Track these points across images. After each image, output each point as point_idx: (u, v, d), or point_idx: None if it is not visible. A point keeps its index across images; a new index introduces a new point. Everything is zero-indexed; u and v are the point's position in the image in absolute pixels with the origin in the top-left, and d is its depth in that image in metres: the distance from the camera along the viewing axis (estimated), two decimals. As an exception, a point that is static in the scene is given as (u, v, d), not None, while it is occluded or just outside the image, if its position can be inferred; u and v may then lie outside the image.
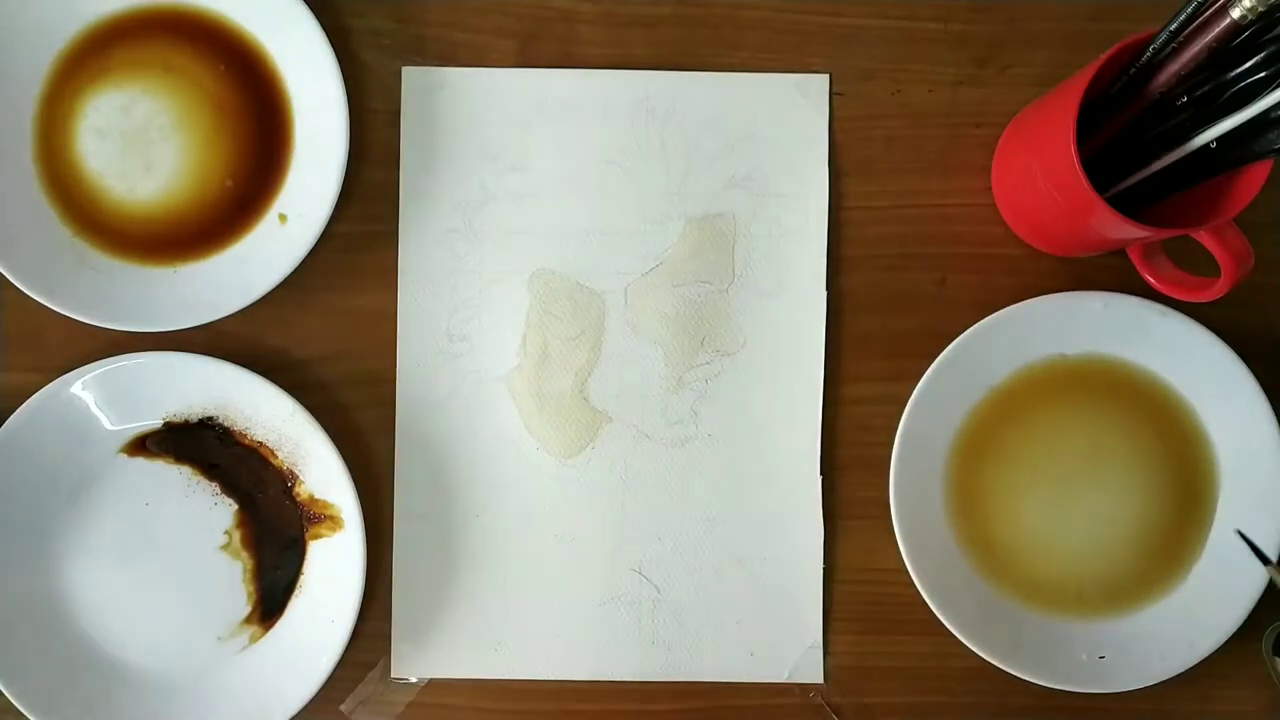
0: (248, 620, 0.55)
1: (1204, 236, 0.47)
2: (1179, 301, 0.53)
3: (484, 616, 0.56)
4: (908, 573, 0.53)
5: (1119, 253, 0.55)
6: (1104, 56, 0.46)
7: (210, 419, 0.55)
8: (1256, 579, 0.54)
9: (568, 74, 0.56)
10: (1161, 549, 0.55)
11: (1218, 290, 0.49)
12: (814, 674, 0.56)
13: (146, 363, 0.53)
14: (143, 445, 0.55)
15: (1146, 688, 0.54)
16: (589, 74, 0.56)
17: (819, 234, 0.56)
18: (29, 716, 0.52)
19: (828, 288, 0.56)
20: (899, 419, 0.54)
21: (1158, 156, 0.48)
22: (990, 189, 0.57)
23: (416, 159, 0.56)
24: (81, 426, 0.54)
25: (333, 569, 0.54)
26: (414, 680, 0.56)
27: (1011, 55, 0.57)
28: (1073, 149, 0.46)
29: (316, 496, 0.55)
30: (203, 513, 0.55)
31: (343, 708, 0.55)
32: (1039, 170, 0.50)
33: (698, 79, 0.56)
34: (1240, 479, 0.55)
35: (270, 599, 0.55)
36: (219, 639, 0.55)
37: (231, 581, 0.55)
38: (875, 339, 0.56)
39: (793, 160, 0.56)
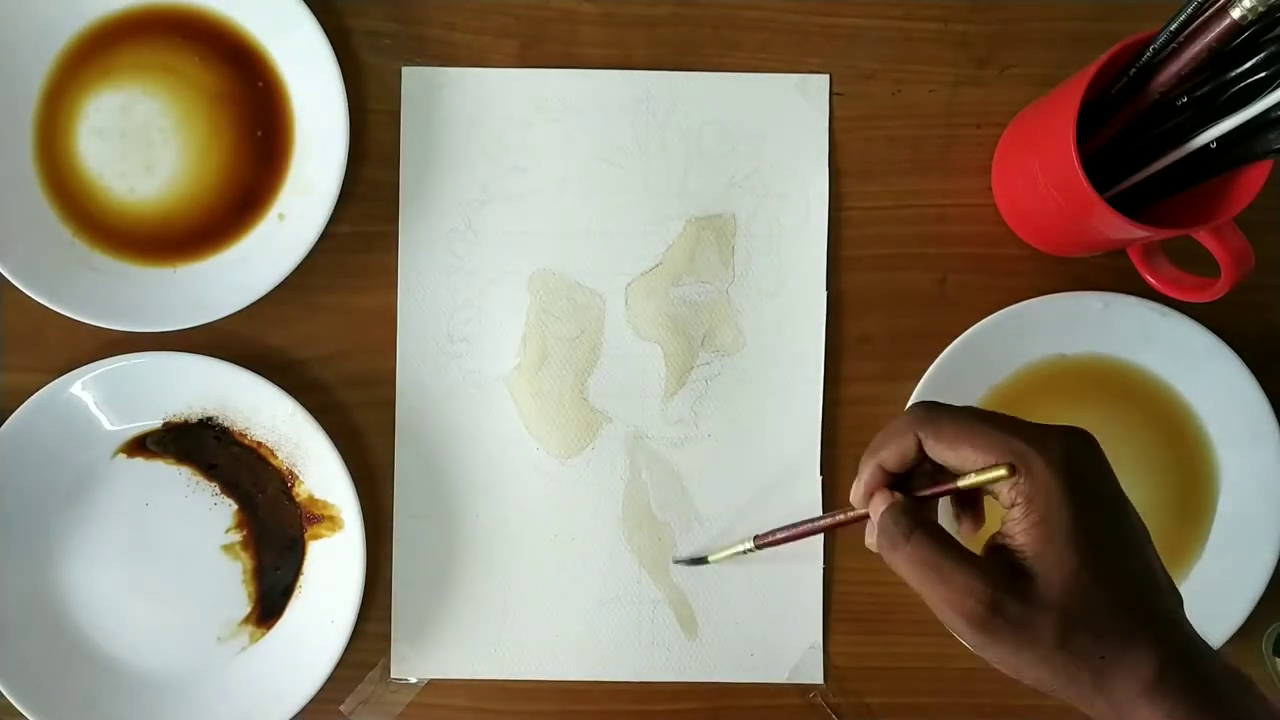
0: (247, 621, 0.55)
1: (1204, 236, 0.47)
2: (1179, 301, 0.53)
3: (484, 616, 0.56)
4: (908, 573, 0.53)
5: (1119, 253, 0.55)
6: (1104, 56, 0.46)
7: (210, 419, 0.55)
8: (1256, 580, 0.54)
9: (568, 74, 0.56)
10: (1161, 549, 0.55)
11: (1218, 290, 0.49)
12: (814, 674, 0.56)
13: (146, 363, 0.53)
14: (142, 445, 0.55)
15: (1147, 688, 0.54)
16: (589, 74, 0.56)
17: (819, 234, 0.56)
18: (29, 716, 0.52)
19: (828, 288, 0.56)
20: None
21: (1158, 156, 0.48)
22: (990, 189, 0.57)
23: (416, 159, 0.56)
24: (81, 426, 0.54)
25: (332, 569, 0.54)
26: (414, 680, 0.56)
27: (1011, 55, 0.57)
28: (1073, 149, 0.46)
29: (316, 496, 0.55)
30: (202, 513, 0.55)
31: (342, 708, 0.55)
32: (1039, 170, 0.50)
33: (698, 79, 0.56)
34: (1240, 479, 0.55)
35: (270, 599, 0.55)
36: (218, 639, 0.55)
37: (231, 582, 0.55)
38: (875, 339, 0.56)
39: (793, 160, 0.56)
